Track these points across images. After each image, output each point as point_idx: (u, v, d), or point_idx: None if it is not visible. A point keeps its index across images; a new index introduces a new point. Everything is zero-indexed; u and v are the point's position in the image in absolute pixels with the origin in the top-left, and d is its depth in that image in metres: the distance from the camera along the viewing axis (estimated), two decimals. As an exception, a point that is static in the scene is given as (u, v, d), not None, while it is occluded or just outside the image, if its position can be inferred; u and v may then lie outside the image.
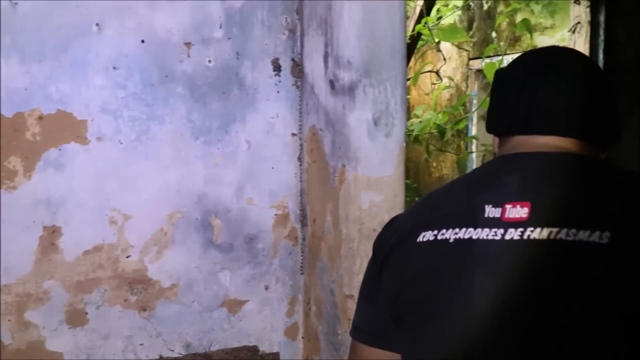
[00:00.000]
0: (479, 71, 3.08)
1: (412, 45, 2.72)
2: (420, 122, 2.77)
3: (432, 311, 1.12)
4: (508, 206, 1.08)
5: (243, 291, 1.60)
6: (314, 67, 1.49)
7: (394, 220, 1.23)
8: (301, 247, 1.62)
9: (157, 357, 1.54)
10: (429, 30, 2.54)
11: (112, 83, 1.47)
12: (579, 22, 2.34)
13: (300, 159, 1.61)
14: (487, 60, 2.64)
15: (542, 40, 2.77)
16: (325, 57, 1.42)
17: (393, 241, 1.17)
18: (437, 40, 2.75)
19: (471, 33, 3.13)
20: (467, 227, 1.09)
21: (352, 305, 1.36)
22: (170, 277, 1.53)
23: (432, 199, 1.24)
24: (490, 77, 2.42)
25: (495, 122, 1.21)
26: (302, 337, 1.66)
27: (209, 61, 1.54)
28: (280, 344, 1.66)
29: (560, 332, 1.04)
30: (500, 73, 1.22)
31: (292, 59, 1.60)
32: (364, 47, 1.33)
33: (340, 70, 1.35)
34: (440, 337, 1.12)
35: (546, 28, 2.75)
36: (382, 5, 1.36)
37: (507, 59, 2.74)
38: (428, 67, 3.15)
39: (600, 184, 1.13)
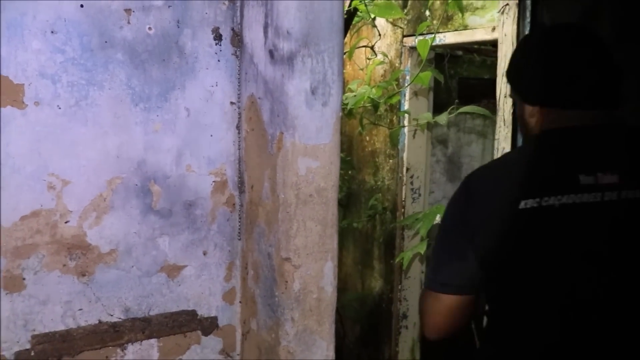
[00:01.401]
0: (413, 48, 3.15)
1: (348, 21, 2.77)
2: (355, 96, 2.83)
3: (542, 266, 1.37)
4: (600, 174, 1.35)
5: (182, 256, 1.63)
6: (254, 37, 1.52)
7: (473, 191, 1.45)
8: (239, 213, 1.66)
9: (97, 321, 1.56)
10: (365, 5, 2.60)
11: (50, 47, 1.46)
12: (507, 4, 2.43)
13: (238, 127, 1.64)
14: (420, 37, 2.71)
15: (473, 20, 2.86)
16: (265, 27, 1.45)
17: (487, 211, 1.40)
18: (372, 16, 2.81)
19: (406, 11, 3.20)
20: (568, 194, 1.34)
21: (288, 268, 1.42)
22: (109, 243, 1.55)
23: (511, 169, 1.45)
24: (423, 53, 2.49)
25: (550, 95, 1.47)
26: (240, 302, 1.71)
27: (149, 28, 1.55)
28: (218, 308, 1.70)
29: None
30: (540, 45, 1.50)
31: (232, 29, 1.63)
32: (303, 19, 1.37)
33: (280, 40, 1.39)
34: (553, 287, 1.39)
35: (477, 9, 2.84)
36: (320, -23, 1.40)
37: (440, 37, 2.83)
38: (363, 42, 3.21)
39: None
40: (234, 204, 1.67)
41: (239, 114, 1.63)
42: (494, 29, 2.61)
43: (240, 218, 1.66)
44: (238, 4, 1.62)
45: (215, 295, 1.69)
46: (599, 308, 1.37)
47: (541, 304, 1.41)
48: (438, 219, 2.54)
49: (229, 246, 1.68)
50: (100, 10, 1.50)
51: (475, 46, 3.65)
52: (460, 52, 3.95)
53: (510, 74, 1.60)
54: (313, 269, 1.44)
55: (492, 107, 2.74)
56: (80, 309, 1.53)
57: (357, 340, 3.74)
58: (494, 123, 4.72)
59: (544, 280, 1.39)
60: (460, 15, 2.82)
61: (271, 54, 1.43)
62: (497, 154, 2.37)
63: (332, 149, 1.42)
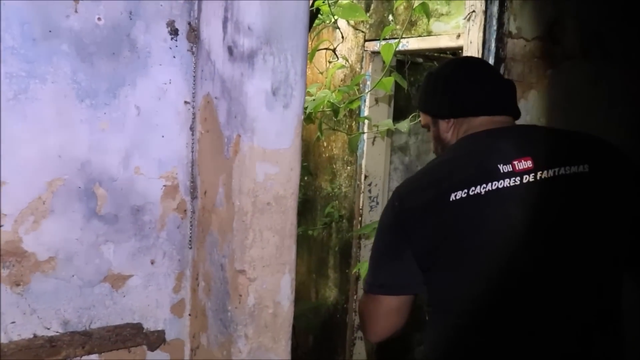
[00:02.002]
0: (375, 53, 3.08)
1: (309, 22, 2.68)
2: (314, 100, 2.75)
3: (475, 246, 1.51)
4: (515, 162, 1.52)
5: (127, 265, 1.52)
6: (212, 32, 1.42)
7: (404, 197, 1.60)
8: (190, 220, 1.56)
9: (31, 335, 1.43)
10: (329, 6, 2.51)
11: (-14, 35, 1.34)
12: (474, 11, 2.39)
13: (192, 128, 1.54)
14: (384, 42, 2.64)
15: (438, 26, 2.81)
16: (225, 22, 1.35)
17: (420, 209, 1.55)
18: (335, 17, 2.72)
19: (368, 14, 3.13)
20: (492, 182, 1.50)
21: (243, 281, 1.32)
22: (47, 250, 1.42)
23: (437, 171, 1.62)
24: (387, 58, 2.42)
25: (459, 107, 1.69)
26: (190, 314, 1.60)
27: (99, 19, 1.44)
28: (166, 321, 1.59)
29: (578, 237, 1.53)
30: (445, 72, 1.76)
31: (189, 23, 1.52)
32: (266, 14, 1.27)
33: (240, 36, 1.29)
34: (487, 262, 1.52)
35: (442, 15, 2.79)
36: (285, -29, 1.31)
37: (404, 42, 2.76)
38: (324, 45, 3.13)
39: (561, 137, 1.64)
40: (185, 210, 1.56)
41: (194, 114, 1.53)
42: (459, 35, 2.56)
43: (192, 225, 1.55)
44: (195, -3, 1.52)
45: (163, 307, 1.58)
46: (529, 283, 1.52)
47: (475, 283, 1.54)
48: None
49: (179, 255, 1.57)
50: (45, -3, 1.38)
51: (436, 54, 3.61)
52: (420, 60, 3.92)
53: (423, 100, 1.83)
54: (269, 282, 1.34)
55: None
56: (13, 322, 1.40)
57: (311, 351, 3.65)
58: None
59: (475, 259, 1.53)
60: (424, 21, 2.76)
61: (230, 50, 1.33)
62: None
63: (293, 155, 1.33)
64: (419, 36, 2.79)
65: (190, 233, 1.56)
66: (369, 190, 3.18)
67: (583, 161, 1.54)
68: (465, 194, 1.50)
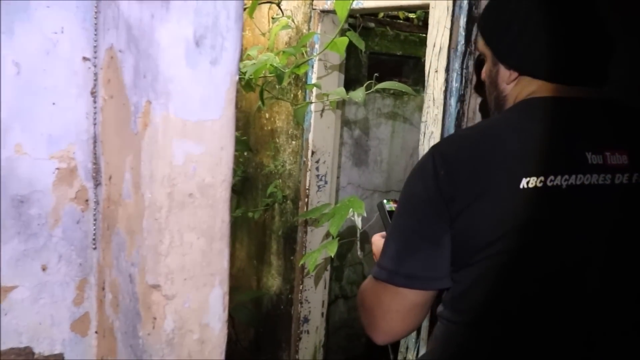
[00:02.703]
0: (325, 12, 2.73)
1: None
2: (254, 64, 2.39)
3: (542, 253, 1.18)
4: (607, 153, 1.20)
5: (10, 274, 1.15)
6: (115, -37, 1.06)
7: (454, 165, 1.20)
8: (94, 213, 1.20)
9: None
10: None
11: None
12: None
13: (94, 93, 1.17)
14: (334, -2, 2.29)
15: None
16: (130, -53, 0.99)
17: (477, 188, 1.17)
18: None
19: (315, -31, 2.77)
20: (576, 174, 1.17)
21: (157, 299, 0.98)
22: None
23: (501, 141, 1.20)
24: (341, 15, 2.08)
25: (530, 64, 1.26)
26: (96, 332, 1.25)
27: (-39, -56, 1.06)
28: (65, 341, 1.24)
29: None
30: (528, 4, 1.25)
31: (87, -46, 1.15)
32: None
33: (150, -36, 0.93)
34: (553, 274, 1.19)
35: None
36: None
37: (358, 1, 2.42)
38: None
39: None
40: (86, 200, 1.20)
41: (95, 74, 1.17)
42: (421, -8, 2.24)
43: (95, 220, 1.20)
44: None
45: (61, 324, 1.22)
46: (595, 304, 1.23)
47: (533, 296, 1.22)
48: (352, 214, 2.15)
49: (80, 258, 1.21)
50: None
51: (391, 16, 3.27)
52: (372, 25, 3.59)
53: (488, 25, 1.37)
54: (193, 299, 1.00)
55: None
56: None
57: (251, 345, 3.32)
58: (404, 104, 4.42)
59: (544, 267, 1.20)
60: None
61: (137, -15, 0.97)
62: (425, 139, 1.99)
63: (224, 128, 0.98)
64: (374, -7, 2.46)
65: (94, 229, 1.20)
66: (317, 168, 2.84)
67: None
68: (542, 184, 1.15)
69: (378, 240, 1.56)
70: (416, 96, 3.84)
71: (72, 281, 1.22)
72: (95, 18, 1.15)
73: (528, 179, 1.15)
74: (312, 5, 2.76)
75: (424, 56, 2.02)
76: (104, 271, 1.19)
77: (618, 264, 1.22)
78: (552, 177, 1.16)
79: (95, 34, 1.16)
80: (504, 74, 1.31)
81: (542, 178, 1.15)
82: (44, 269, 1.18)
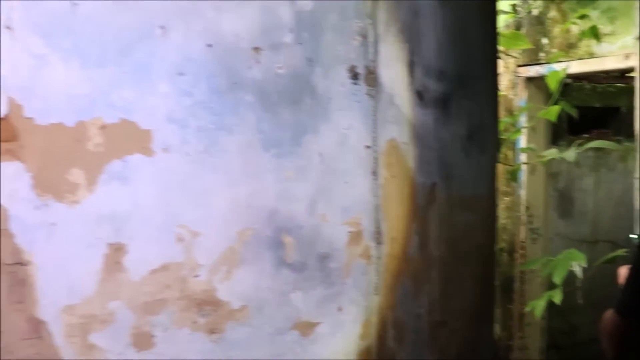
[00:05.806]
0: (530, 79, 2.97)
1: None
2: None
3: None
4: None
5: (315, 313, 1.51)
6: (394, 76, 1.40)
7: None
8: (376, 266, 1.53)
9: (225, 382, 1.45)
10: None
11: (177, 90, 1.38)
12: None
13: (374, 172, 1.52)
14: (542, 66, 2.53)
15: (601, 47, 2.67)
16: (411, 65, 1.33)
17: None
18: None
19: (519, 38, 3.01)
20: None
21: (444, 332, 1.27)
22: (240, 298, 1.44)
23: None
24: (553, 86, 2.31)
25: None
26: (374, 361, 1.57)
27: (279, 68, 1.45)
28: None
29: None
30: None
31: (366, 67, 1.51)
32: (458, 56, 1.24)
33: (431, 80, 1.26)
34: None
35: (605, 35, 2.64)
36: (474, 7, 1.27)
37: (563, 66, 2.64)
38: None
39: None
40: (369, 256, 1.53)
41: (375, 158, 1.51)
42: (627, 56, 2.41)
43: (377, 272, 1.52)
44: (371, 39, 1.51)
45: (349, 354, 1.55)
46: None
47: None
48: (573, 265, 2.33)
49: (365, 302, 1.55)
50: (228, 50, 1.41)
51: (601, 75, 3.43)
52: (569, 80, 3.74)
53: None
54: (470, 332, 1.29)
55: (604, 138, 2.53)
56: (209, 371, 1.42)
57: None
58: (606, 154, 4.46)
59: None
60: (584, 42, 2.63)
61: (420, 95, 1.30)
62: (639, 193, 2.15)
63: (490, 200, 1.28)
64: (580, 59, 2.67)
65: (376, 279, 1.53)
66: (531, 222, 3.04)
67: None
68: None
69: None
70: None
71: (359, 320, 1.55)
72: (374, 116, 1.50)
73: None
74: (517, 72, 3.01)
75: (624, 106, 2.19)
76: (385, 313, 1.51)
77: None
78: None
79: (374, 128, 1.51)
80: None
81: None
82: (339, 310, 1.53)
